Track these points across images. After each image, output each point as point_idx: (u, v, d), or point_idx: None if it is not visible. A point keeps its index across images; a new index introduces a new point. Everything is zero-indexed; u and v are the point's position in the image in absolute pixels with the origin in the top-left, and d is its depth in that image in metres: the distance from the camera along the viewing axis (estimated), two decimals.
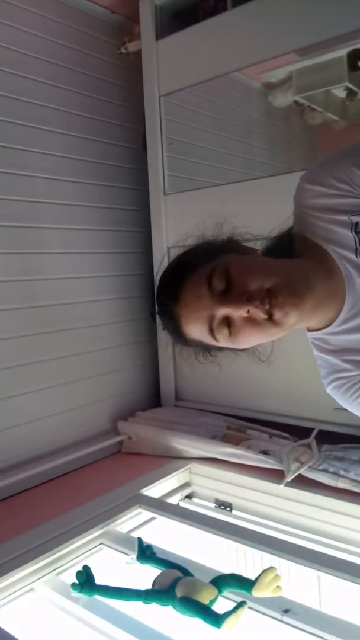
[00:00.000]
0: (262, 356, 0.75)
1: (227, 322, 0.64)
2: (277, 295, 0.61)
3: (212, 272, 0.64)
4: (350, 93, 1.68)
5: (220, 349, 0.72)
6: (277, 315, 0.61)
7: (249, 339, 0.65)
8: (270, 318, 0.62)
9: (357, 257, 0.67)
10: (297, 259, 0.71)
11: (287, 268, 0.66)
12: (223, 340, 0.66)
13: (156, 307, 0.72)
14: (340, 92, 1.70)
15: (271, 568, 0.94)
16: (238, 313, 0.62)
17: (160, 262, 0.74)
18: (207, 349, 0.73)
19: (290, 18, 1.36)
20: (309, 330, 0.72)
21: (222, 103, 1.75)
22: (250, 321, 0.63)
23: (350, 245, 0.67)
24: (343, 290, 0.67)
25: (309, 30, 1.33)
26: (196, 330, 0.67)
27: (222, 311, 0.63)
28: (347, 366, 0.70)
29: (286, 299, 0.61)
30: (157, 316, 0.73)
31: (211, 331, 0.65)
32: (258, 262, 0.68)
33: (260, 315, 0.62)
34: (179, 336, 0.70)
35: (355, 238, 0.67)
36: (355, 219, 0.66)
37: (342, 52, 1.46)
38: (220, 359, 0.75)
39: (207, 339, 0.67)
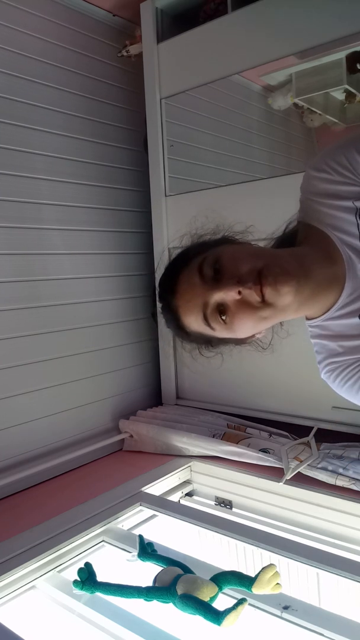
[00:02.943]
0: (263, 345, 0.74)
1: (221, 308, 0.63)
2: (268, 274, 0.61)
3: (203, 261, 0.65)
4: (349, 95, 1.69)
5: (222, 340, 0.71)
6: (268, 294, 0.61)
7: (245, 325, 0.64)
8: (264, 299, 0.61)
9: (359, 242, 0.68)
10: (296, 247, 0.71)
11: (280, 252, 0.67)
12: (219, 328, 0.65)
13: (158, 305, 0.73)
14: (339, 95, 1.70)
15: (271, 565, 0.95)
16: (230, 295, 0.62)
17: (159, 259, 0.75)
18: (208, 341, 0.72)
19: (290, 21, 1.37)
20: (308, 318, 0.72)
21: (222, 105, 1.76)
22: (244, 304, 0.62)
23: (353, 231, 0.68)
24: (343, 277, 0.67)
25: (308, 33, 1.35)
26: (193, 321, 0.67)
27: (215, 296, 0.63)
28: (342, 350, 0.70)
29: (277, 277, 0.61)
30: (161, 313, 0.73)
31: (206, 319, 0.65)
32: (248, 248, 0.69)
33: (254, 297, 0.61)
34: (181, 330, 0.70)
35: (358, 223, 0.67)
36: (359, 203, 0.67)
37: (341, 54, 1.47)
38: (223, 353, 0.75)
39: (205, 329, 0.67)
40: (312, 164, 0.70)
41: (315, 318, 0.71)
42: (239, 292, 0.61)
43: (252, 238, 0.76)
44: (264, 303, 0.62)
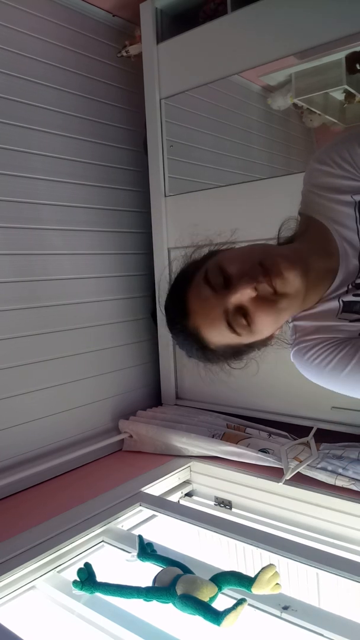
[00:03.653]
0: (287, 340, 0.73)
1: (242, 312, 0.63)
2: (270, 265, 0.61)
3: (206, 272, 0.64)
4: (349, 95, 1.69)
5: (249, 346, 0.70)
6: (278, 283, 0.61)
7: (267, 320, 0.64)
8: (275, 291, 0.61)
9: (358, 236, 0.68)
10: (293, 243, 0.72)
11: (275, 247, 0.68)
12: (244, 332, 0.64)
13: (171, 335, 0.71)
14: (338, 95, 1.71)
15: (270, 565, 0.95)
16: (246, 294, 0.61)
17: (162, 267, 0.74)
18: (236, 352, 0.70)
19: (290, 21, 1.37)
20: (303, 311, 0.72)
21: (222, 106, 1.76)
22: (261, 300, 0.62)
23: (351, 225, 0.68)
24: (336, 269, 0.69)
25: (308, 33, 1.35)
26: (217, 334, 0.65)
27: (232, 300, 0.62)
28: (312, 330, 0.70)
29: (279, 264, 0.61)
30: (177, 344, 0.71)
31: (230, 326, 0.63)
32: (243, 248, 0.69)
33: (267, 289, 0.61)
34: (205, 350, 0.68)
35: (357, 217, 0.68)
36: (358, 197, 0.67)
37: (340, 55, 1.47)
38: (255, 359, 0.73)
39: (230, 338, 0.65)
40: (315, 156, 0.71)
41: (308, 310, 0.71)
42: (255, 288, 0.61)
43: (240, 244, 0.75)
44: (277, 294, 0.62)
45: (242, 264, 0.63)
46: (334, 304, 0.69)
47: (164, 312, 0.71)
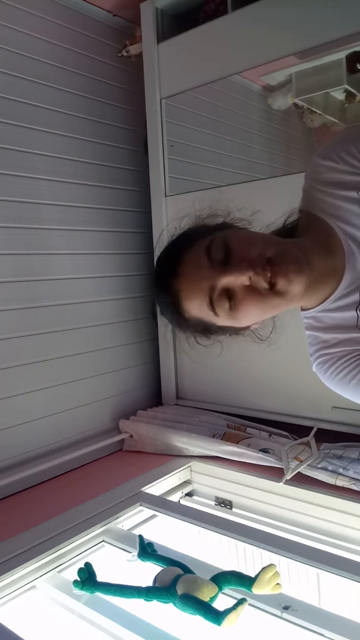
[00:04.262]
0: (262, 337, 0.72)
1: (228, 294, 0.61)
2: (280, 263, 0.59)
3: (210, 242, 0.62)
4: (349, 95, 1.69)
5: (220, 328, 0.68)
6: (281, 283, 0.59)
7: (250, 312, 0.62)
8: (272, 288, 0.60)
9: None
10: (296, 238, 0.70)
11: (286, 242, 0.65)
12: (223, 314, 0.63)
13: (154, 288, 0.69)
14: (339, 95, 1.70)
15: (271, 565, 0.95)
16: (240, 280, 0.59)
17: (157, 241, 0.72)
18: (206, 329, 0.68)
19: (290, 21, 1.37)
20: (303, 309, 0.71)
21: (222, 105, 1.76)
22: (252, 291, 0.60)
23: (356, 222, 0.66)
24: (342, 268, 0.66)
25: (308, 33, 1.35)
26: (196, 305, 0.63)
27: (223, 280, 0.60)
28: (336, 342, 0.68)
29: (289, 266, 0.59)
30: (155, 297, 0.69)
31: (211, 303, 0.62)
32: (256, 234, 0.67)
33: (262, 283, 0.60)
34: (179, 315, 0.66)
35: None
36: None
37: (341, 54, 1.47)
38: (221, 342, 0.72)
39: (207, 315, 0.64)
40: (319, 152, 0.69)
41: (311, 309, 0.70)
42: (249, 278, 0.59)
43: (247, 223, 0.74)
44: (273, 291, 0.60)
45: (248, 249, 0.61)
46: (352, 314, 0.67)
47: (155, 264, 0.69)
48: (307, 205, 0.71)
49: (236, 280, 0.60)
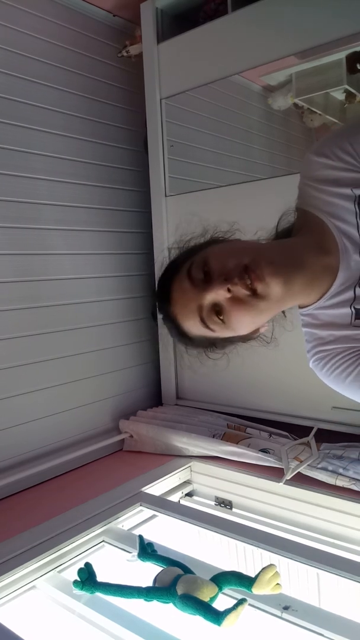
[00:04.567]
0: (267, 339, 0.74)
1: (216, 309, 0.64)
2: (255, 268, 0.61)
3: (190, 265, 0.66)
4: (349, 95, 1.69)
5: (226, 340, 0.71)
6: (259, 287, 0.61)
7: (242, 321, 0.64)
8: (255, 293, 0.62)
9: (357, 232, 0.67)
10: (289, 239, 0.71)
11: (267, 245, 0.67)
12: (218, 328, 0.65)
13: (159, 316, 0.73)
14: (339, 95, 1.71)
15: (271, 565, 0.95)
16: (220, 294, 0.62)
17: (158, 268, 0.75)
18: (212, 343, 0.72)
19: (290, 21, 1.37)
20: (300, 307, 0.72)
21: (222, 106, 1.76)
22: (236, 301, 0.62)
23: (351, 219, 0.67)
24: (337, 265, 0.67)
25: (308, 33, 1.35)
26: (192, 325, 0.67)
27: (207, 298, 0.63)
28: (332, 339, 0.70)
29: (264, 269, 0.61)
30: (164, 324, 0.73)
31: (203, 321, 0.65)
32: (233, 246, 0.69)
33: (243, 291, 0.62)
34: (183, 336, 0.70)
35: (356, 212, 0.66)
36: (358, 191, 0.66)
37: (341, 55, 1.47)
38: (228, 353, 0.75)
39: (205, 332, 0.67)
40: (314, 149, 0.69)
41: (308, 306, 0.71)
42: (228, 290, 0.61)
43: (240, 235, 0.76)
44: (257, 296, 0.62)
45: (225, 262, 0.63)
46: (346, 311, 0.68)
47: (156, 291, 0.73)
48: (302, 203, 0.72)
49: (217, 295, 0.62)
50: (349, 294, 0.67)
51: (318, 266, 0.66)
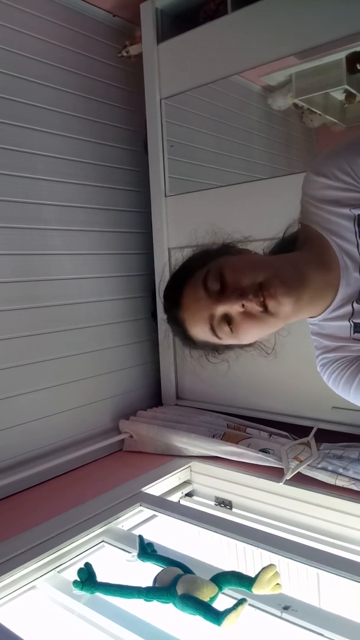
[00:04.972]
0: (267, 349, 0.78)
1: (227, 319, 0.67)
2: (269, 286, 0.64)
3: (206, 274, 0.68)
4: (349, 95, 1.69)
5: (228, 346, 0.75)
6: (271, 305, 0.64)
7: (250, 333, 0.68)
8: (265, 309, 0.65)
9: (358, 250, 0.69)
10: (294, 253, 0.73)
11: (279, 262, 0.69)
12: (226, 337, 0.68)
13: (164, 316, 0.76)
14: (339, 95, 1.71)
15: (271, 565, 0.95)
16: (234, 309, 0.65)
17: (163, 266, 0.77)
18: (215, 348, 0.76)
19: (290, 21, 1.37)
20: (310, 317, 0.76)
21: (222, 106, 1.76)
22: (248, 315, 0.66)
23: (351, 238, 0.69)
24: (338, 281, 0.70)
25: (308, 33, 1.35)
26: (200, 331, 0.70)
27: (219, 309, 0.66)
28: (334, 347, 0.74)
29: (277, 289, 0.64)
30: (167, 324, 0.76)
31: (213, 330, 0.68)
32: (249, 259, 0.71)
33: (256, 308, 0.65)
34: (188, 339, 0.74)
35: (356, 231, 0.68)
36: (357, 211, 0.67)
37: (340, 55, 1.47)
38: (228, 357, 0.79)
39: (211, 338, 0.70)
40: (313, 167, 0.70)
41: (315, 317, 0.74)
42: (243, 305, 0.64)
43: (251, 244, 0.78)
44: (267, 313, 0.65)
45: (241, 277, 0.66)
46: (346, 324, 0.72)
47: (161, 295, 0.76)
48: (303, 218, 0.74)
49: (231, 309, 0.66)
50: (348, 308, 0.71)
51: (322, 282, 0.69)
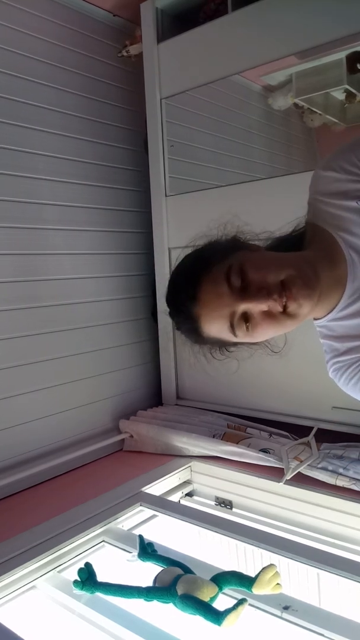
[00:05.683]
0: (274, 348, 0.77)
1: (245, 317, 0.66)
2: (291, 287, 0.63)
3: (229, 269, 0.66)
4: (349, 95, 1.69)
5: (236, 344, 0.74)
6: (292, 307, 0.64)
7: (266, 332, 0.67)
8: (285, 310, 0.64)
9: None
10: (306, 251, 0.73)
11: (297, 260, 0.68)
12: (242, 335, 0.67)
13: (167, 308, 0.73)
14: (339, 95, 1.71)
15: (271, 565, 0.95)
16: (259, 307, 0.64)
17: (162, 264, 0.76)
18: (223, 345, 0.74)
19: (290, 21, 1.37)
20: (315, 318, 0.75)
21: (222, 105, 1.76)
22: (268, 315, 0.65)
23: (358, 232, 0.69)
24: (345, 278, 0.69)
25: (309, 33, 1.35)
26: (216, 328, 0.68)
27: (242, 307, 0.65)
28: (345, 350, 0.72)
29: (299, 291, 0.63)
30: (172, 317, 0.74)
31: (232, 327, 0.66)
32: (269, 257, 0.70)
33: (277, 308, 0.64)
34: (196, 335, 0.71)
35: None
36: None
37: (341, 54, 1.47)
38: (235, 355, 0.77)
39: (226, 335, 0.68)
40: (321, 164, 0.71)
41: (321, 318, 0.73)
42: (267, 305, 0.64)
43: (254, 235, 0.77)
44: (286, 313, 0.64)
45: (265, 275, 0.64)
46: (356, 322, 0.70)
47: (168, 284, 0.73)
48: (311, 217, 0.74)
49: (255, 307, 0.65)
50: (358, 305, 0.69)
51: (330, 280, 0.68)
